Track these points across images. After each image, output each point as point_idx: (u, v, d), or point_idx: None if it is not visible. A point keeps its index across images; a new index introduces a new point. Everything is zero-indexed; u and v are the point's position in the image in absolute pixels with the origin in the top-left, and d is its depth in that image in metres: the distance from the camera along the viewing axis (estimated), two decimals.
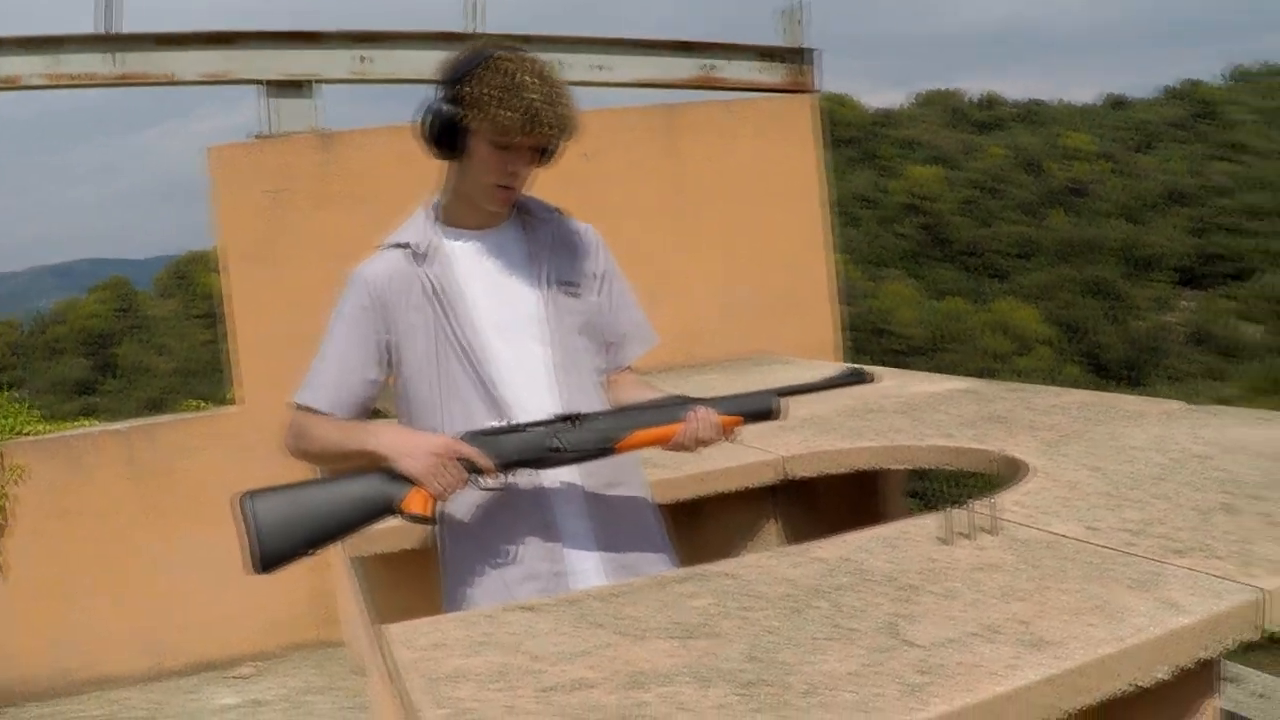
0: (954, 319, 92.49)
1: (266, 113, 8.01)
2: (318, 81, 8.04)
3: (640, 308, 3.70)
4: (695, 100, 9.12)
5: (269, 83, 7.95)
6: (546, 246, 3.46)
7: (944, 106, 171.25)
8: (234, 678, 7.73)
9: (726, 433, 3.36)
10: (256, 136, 7.94)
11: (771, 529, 5.05)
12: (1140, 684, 2.53)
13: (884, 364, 9.35)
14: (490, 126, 3.19)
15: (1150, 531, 3.30)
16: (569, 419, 3.23)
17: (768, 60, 9.18)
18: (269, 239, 7.72)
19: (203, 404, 9.51)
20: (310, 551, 3.17)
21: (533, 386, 3.37)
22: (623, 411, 3.33)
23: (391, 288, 3.34)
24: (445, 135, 3.28)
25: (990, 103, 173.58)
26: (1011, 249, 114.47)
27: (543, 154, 3.33)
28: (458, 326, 3.33)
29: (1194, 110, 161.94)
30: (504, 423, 3.24)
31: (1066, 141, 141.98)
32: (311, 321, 7.17)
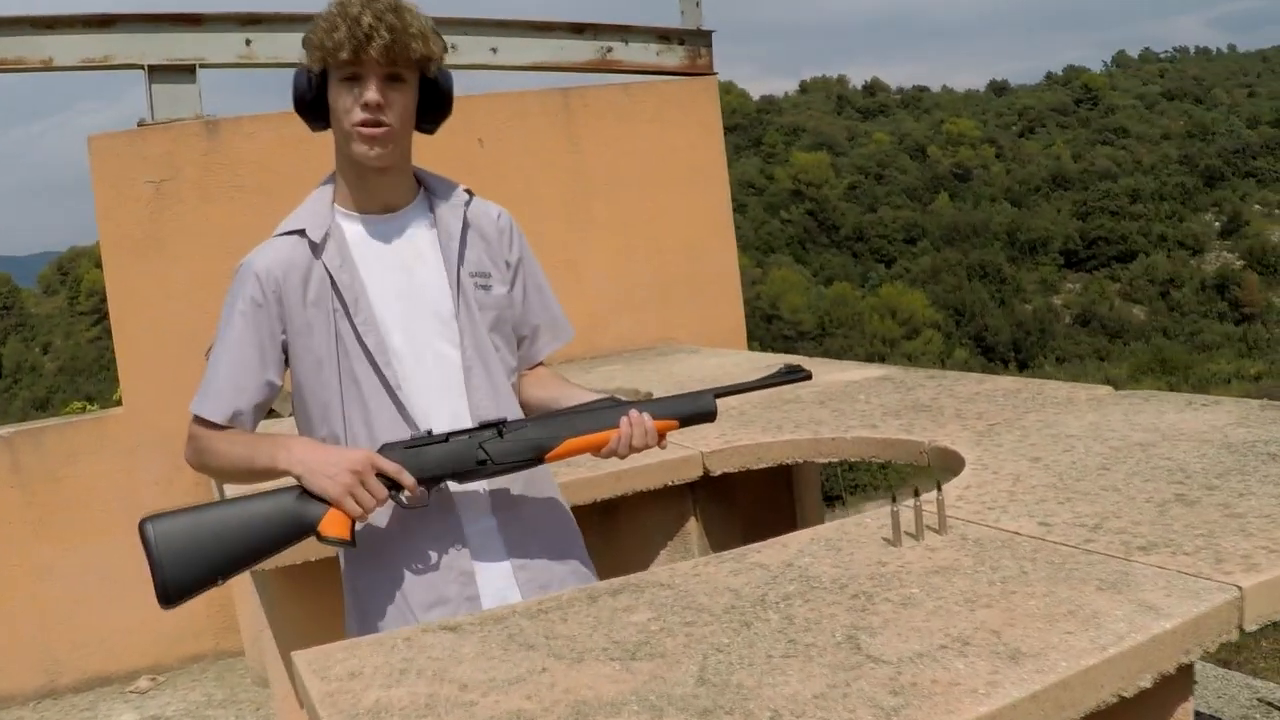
0: (842, 304, 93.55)
1: (149, 100, 7.67)
2: (203, 66, 7.69)
3: (554, 298, 3.43)
4: (594, 84, 8.86)
5: (151, 68, 7.60)
6: (454, 233, 3.14)
7: (829, 93, 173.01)
8: (131, 693, 7.38)
9: (660, 438, 3.11)
10: (140, 124, 7.59)
11: (692, 528, 4.82)
12: (1124, 694, 2.34)
13: (773, 350, 9.16)
14: (325, 56, 2.89)
15: (1108, 527, 3.11)
16: (493, 426, 2.99)
17: (666, 43, 8.93)
18: (152, 232, 7.34)
19: (89, 405, 9.15)
20: (219, 581, 2.90)
21: (441, 391, 3.10)
22: (551, 418, 3.07)
23: (286, 281, 3.01)
24: (306, 98, 3.01)
25: (875, 89, 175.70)
26: (897, 234, 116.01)
27: (396, 80, 2.94)
28: (360, 325, 3.02)
29: (1076, 96, 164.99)
30: (415, 432, 3.02)
31: (950, 127, 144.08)
32: (198, 318, 6.93)
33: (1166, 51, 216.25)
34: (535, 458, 3.01)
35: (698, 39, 9.00)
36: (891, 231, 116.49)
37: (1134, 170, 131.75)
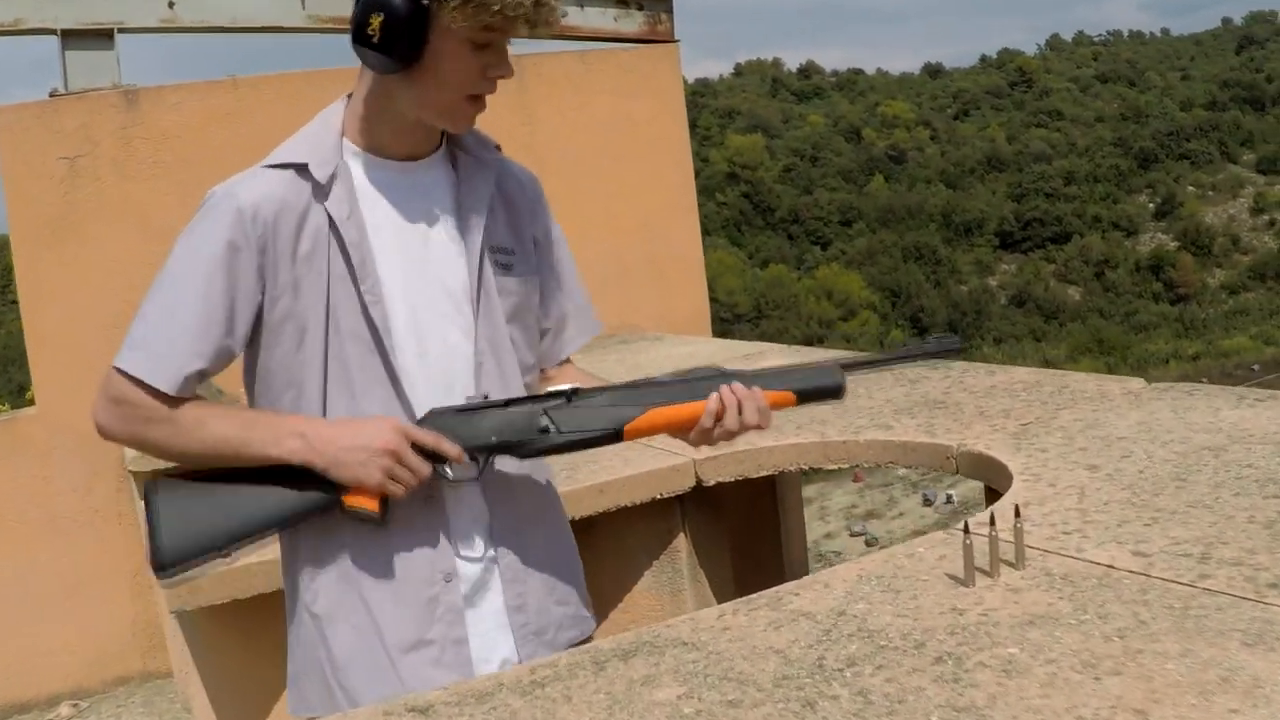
0: (778, 286, 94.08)
1: (63, 68, 7.02)
2: (121, 31, 7.05)
3: (583, 284, 2.84)
4: (547, 51, 8.26)
5: (65, 32, 6.95)
6: (483, 197, 2.55)
7: (763, 76, 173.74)
8: None
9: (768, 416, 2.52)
10: (52, 94, 6.93)
11: (681, 545, 4.25)
12: None
13: (710, 333, 8.62)
14: (478, 11, 2.25)
15: (1219, 556, 2.58)
16: (562, 394, 2.43)
17: (624, 7, 8.32)
18: (65, 213, 6.67)
19: (3, 407, 8.48)
20: (224, 553, 2.39)
21: (444, 388, 2.49)
22: (630, 387, 2.49)
23: (277, 225, 2.37)
24: (403, 32, 2.29)
25: (809, 72, 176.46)
26: (833, 216, 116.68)
27: None
28: (366, 294, 2.41)
29: (1011, 79, 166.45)
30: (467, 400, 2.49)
31: (885, 110, 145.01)
32: (118, 307, 6.31)
33: (1100, 35, 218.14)
34: (611, 431, 2.41)
35: (657, 4, 8.41)
36: (827, 214, 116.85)
37: (1068, 152, 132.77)
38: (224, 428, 2.34)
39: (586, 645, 2.44)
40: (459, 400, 2.45)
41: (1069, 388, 4.47)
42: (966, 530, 2.51)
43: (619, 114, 8.29)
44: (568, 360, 2.81)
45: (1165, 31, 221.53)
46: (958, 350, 2.61)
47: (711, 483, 4.13)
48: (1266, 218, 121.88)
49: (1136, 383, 4.45)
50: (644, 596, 4.29)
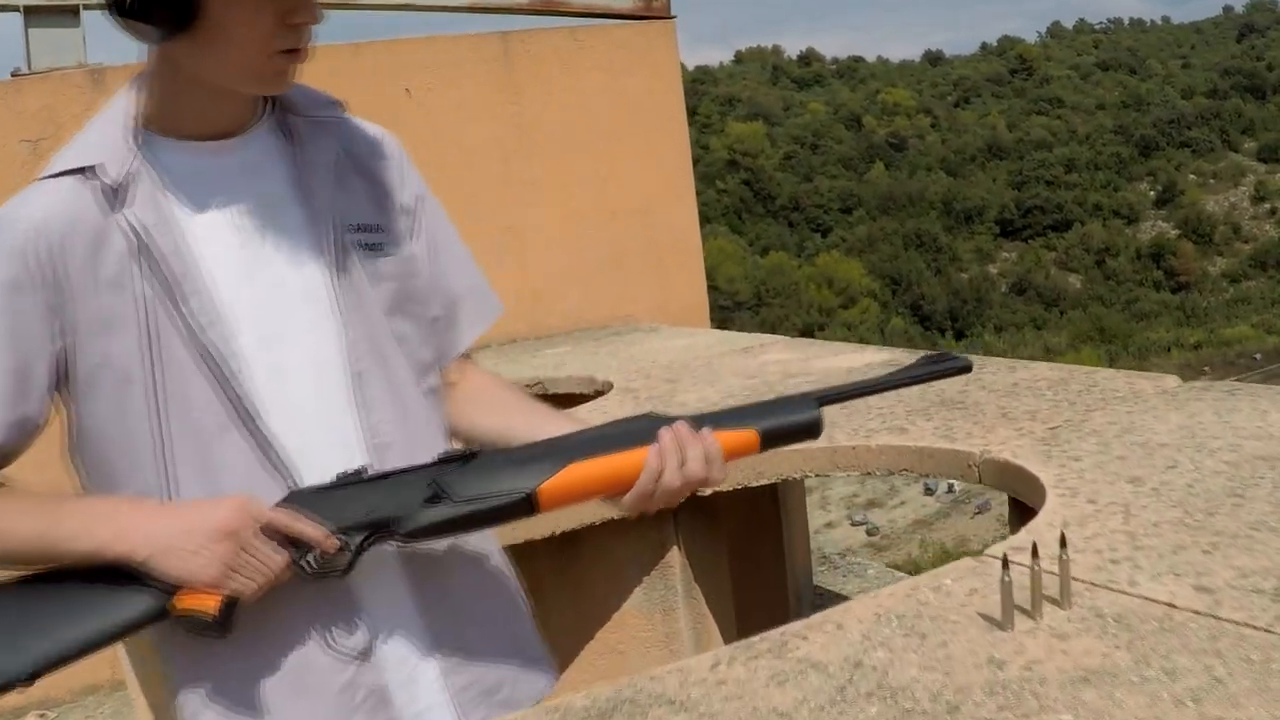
0: (778, 273, 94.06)
1: (26, 46, 6.68)
2: (87, 7, 6.70)
3: (471, 256, 2.34)
4: (537, 27, 7.89)
5: (28, 9, 6.61)
6: (326, 164, 2.08)
7: (763, 63, 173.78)
8: None
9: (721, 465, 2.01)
10: (14, 74, 6.58)
11: (674, 559, 3.88)
12: None
13: (710, 321, 8.24)
14: None
15: None
16: (458, 458, 1.95)
17: None
18: None
19: None
20: (27, 683, 1.86)
21: (319, 417, 2.02)
22: (542, 442, 2.00)
23: (67, 248, 1.88)
24: None
25: (810, 59, 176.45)
26: (833, 203, 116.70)
27: None
28: (192, 316, 1.93)
29: (1011, 66, 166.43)
30: (290, 483, 1.95)
31: (886, 97, 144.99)
32: None
33: (1101, 23, 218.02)
34: (520, 498, 1.90)
35: None
36: (827, 201, 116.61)
37: (1069, 140, 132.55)
38: (25, 524, 1.86)
39: (556, 704, 2.04)
40: (343, 428, 2.01)
41: (1098, 386, 4.09)
42: (1006, 565, 2.13)
43: (612, 92, 7.91)
44: (468, 357, 2.33)
45: (1166, 19, 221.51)
46: (967, 369, 2.16)
47: (708, 492, 3.75)
48: (1267, 206, 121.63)
49: (1171, 380, 4.08)
50: (634, 615, 3.92)
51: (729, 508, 4.12)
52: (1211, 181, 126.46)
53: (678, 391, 4.83)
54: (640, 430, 1.95)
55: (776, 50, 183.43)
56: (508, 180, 7.55)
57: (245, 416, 1.93)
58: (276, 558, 1.85)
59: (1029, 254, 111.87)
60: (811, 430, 2.04)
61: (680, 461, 1.93)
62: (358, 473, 1.94)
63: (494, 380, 2.34)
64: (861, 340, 61.45)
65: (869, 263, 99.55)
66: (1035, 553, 2.16)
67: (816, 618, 2.26)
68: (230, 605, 1.83)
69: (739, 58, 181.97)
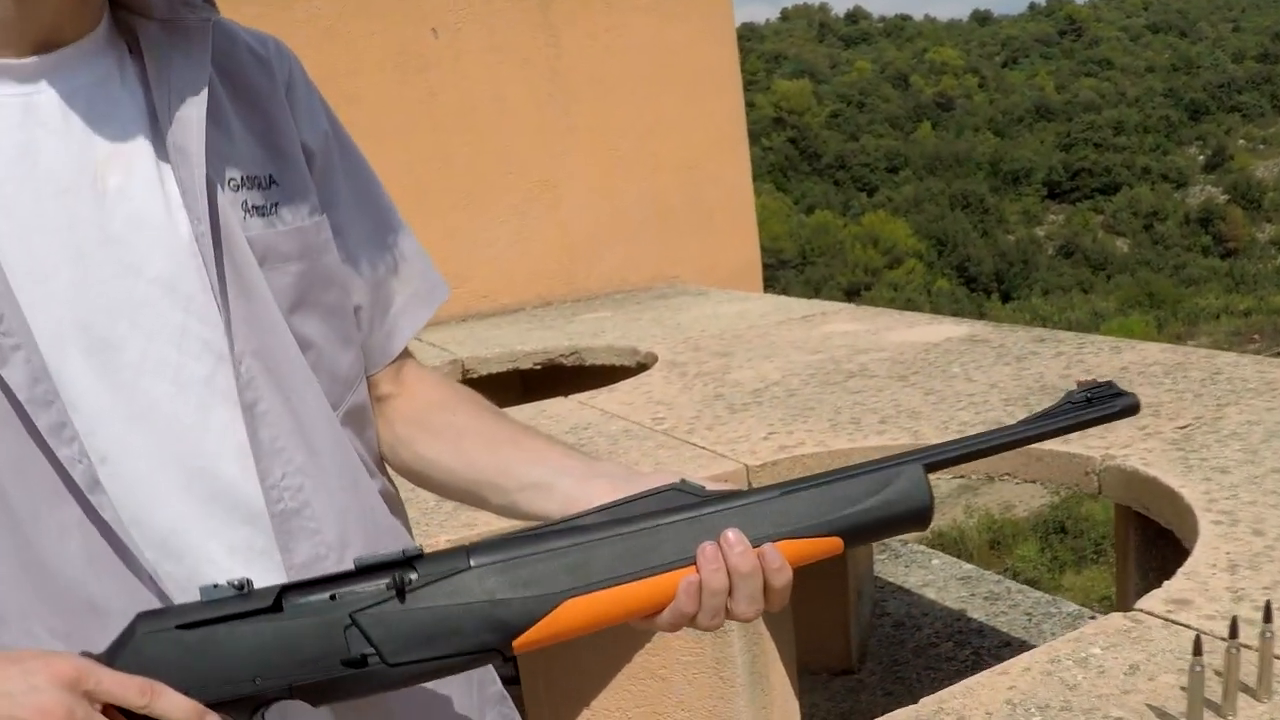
0: (824, 232, 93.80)
1: None
2: None
3: (401, 219, 1.70)
4: None
5: None
6: (194, 87, 1.38)
7: (810, 21, 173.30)
8: None
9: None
10: None
11: None
12: None
13: (761, 287, 7.69)
14: None
15: None
16: (391, 566, 1.27)
17: None
18: None
19: None
20: None
21: (189, 474, 1.36)
22: (532, 537, 1.30)
23: None
24: None
25: (857, 17, 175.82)
26: (880, 162, 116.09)
27: None
28: None
29: (1060, 27, 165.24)
30: (148, 577, 1.33)
31: (933, 56, 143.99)
32: None
33: None
34: (486, 649, 1.29)
35: None
36: (874, 160, 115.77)
37: (1118, 102, 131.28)
38: None
39: None
40: (229, 483, 1.37)
41: (1222, 373, 3.51)
42: (1198, 650, 1.54)
43: (658, 37, 7.42)
44: (406, 355, 1.69)
45: None
46: (1134, 409, 1.41)
47: None
48: None
49: None
50: (678, 637, 3.34)
51: None
52: (1261, 146, 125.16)
53: (731, 367, 4.29)
54: (671, 537, 1.32)
55: (823, 8, 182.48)
56: (543, 129, 7.08)
57: (70, 482, 1.27)
58: None
59: (1076, 217, 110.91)
60: (920, 519, 1.36)
61: (724, 602, 1.30)
62: (241, 589, 1.25)
63: (447, 390, 1.71)
64: (909, 302, 60.82)
65: (915, 223, 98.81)
66: (1234, 632, 1.57)
67: (929, 703, 1.68)
68: None
69: (785, 15, 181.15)
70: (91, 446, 1.28)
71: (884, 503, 1.33)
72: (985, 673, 1.80)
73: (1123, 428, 3.01)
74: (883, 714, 1.68)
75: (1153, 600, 1.94)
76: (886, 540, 6.56)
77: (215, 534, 1.36)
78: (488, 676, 1.68)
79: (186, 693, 1.20)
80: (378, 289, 1.61)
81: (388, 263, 1.63)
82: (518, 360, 5.38)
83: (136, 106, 1.37)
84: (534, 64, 6.99)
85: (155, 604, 1.28)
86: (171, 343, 1.35)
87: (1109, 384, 1.38)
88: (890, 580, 5.92)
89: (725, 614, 1.31)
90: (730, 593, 1.29)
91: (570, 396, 4.19)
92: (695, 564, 1.28)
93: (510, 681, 4.80)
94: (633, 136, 7.30)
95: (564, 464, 1.49)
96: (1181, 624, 1.71)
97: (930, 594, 5.70)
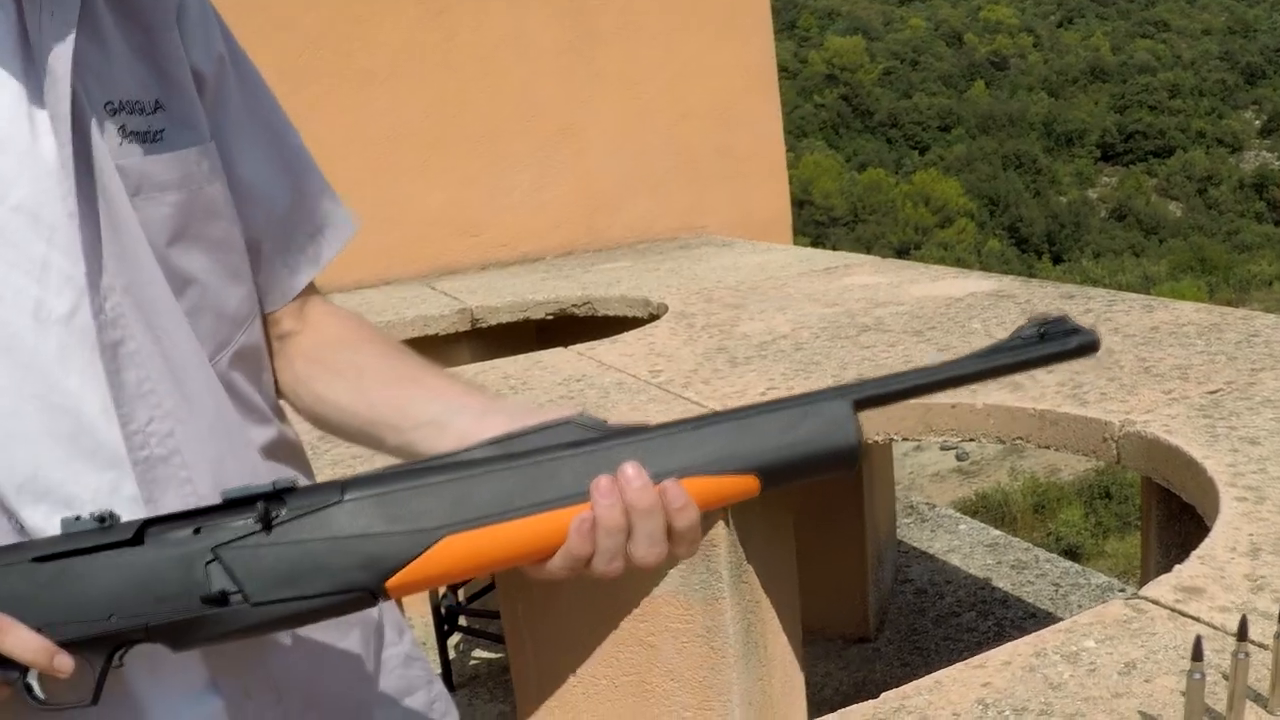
0: (875, 190, 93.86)
1: None
2: None
3: (305, 148, 1.57)
4: None
5: None
6: (70, 8, 1.26)
7: None
8: None
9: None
10: None
11: (720, 538, 3.08)
12: None
13: (805, 236, 7.46)
14: None
15: None
16: (257, 498, 1.18)
17: None
18: None
19: None
20: None
21: (47, 416, 1.26)
22: (412, 472, 1.20)
23: None
24: None
25: None
26: (932, 121, 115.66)
27: None
28: None
29: None
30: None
31: (988, 14, 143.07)
32: None
33: None
34: (358, 592, 1.18)
35: None
36: (926, 118, 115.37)
37: (1174, 65, 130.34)
38: None
39: None
40: (79, 438, 1.27)
41: (1259, 335, 3.29)
42: (1198, 655, 1.32)
43: None
44: (311, 291, 1.57)
45: None
46: (1091, 348, 1.24)
47: None
48: None
49: None
50: (668, 603, 3.15)
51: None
52: None
53: (740, 319, 4.09)
54: (563, 471, 1.19)
55: None
56: (566, 73, 6.89)
57: None
58: None
59: (1129, 179, 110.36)
60: (845, 459, 1.20)
61: (622, 543, 1.18)
62: (103, 522, 1.17)
63: (352, 327, 1.58)
64: (959, 261, 60.45)
65: (967, 182, 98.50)
66: (1243, 633, 1.35)
67: (891, 701, 1.47)
68: None
69: None
70: None
71: (805, 439, 1.18)
72: (959, 665, 1.59)
73: (1145, 391, 2.80)
74: (898, 685, 1.49)
75: (1160, 587, 1.73)
76: (913, 502, 6.37)
77: (78, 477, 1.26)
78: (394, 634, 1.59)
79: (39, 630, 1.13)
80: (278, 223, 1.50)
81: (288, 196, 1.52)
82: (529, 310, 5.21)
83: (8, 22, 1.24)
84: (557, 5, 6.79)
85: None
86: (31, 276, 1.24)
87: (1062, 318, 1.22)
88: (915, 545, 5.72)
89: (624, 558, 1.18)
90: (629, 533, 1.17)
91: (569, 347, 4.01)
92: (589, 500, 1.16)
93: (497, 640, 4.64)
94: (659, 81, 7.09)
95: (462, 401, 1.39)
96: (1190, 616, 1.50)
97: (955, 560, 5.50)
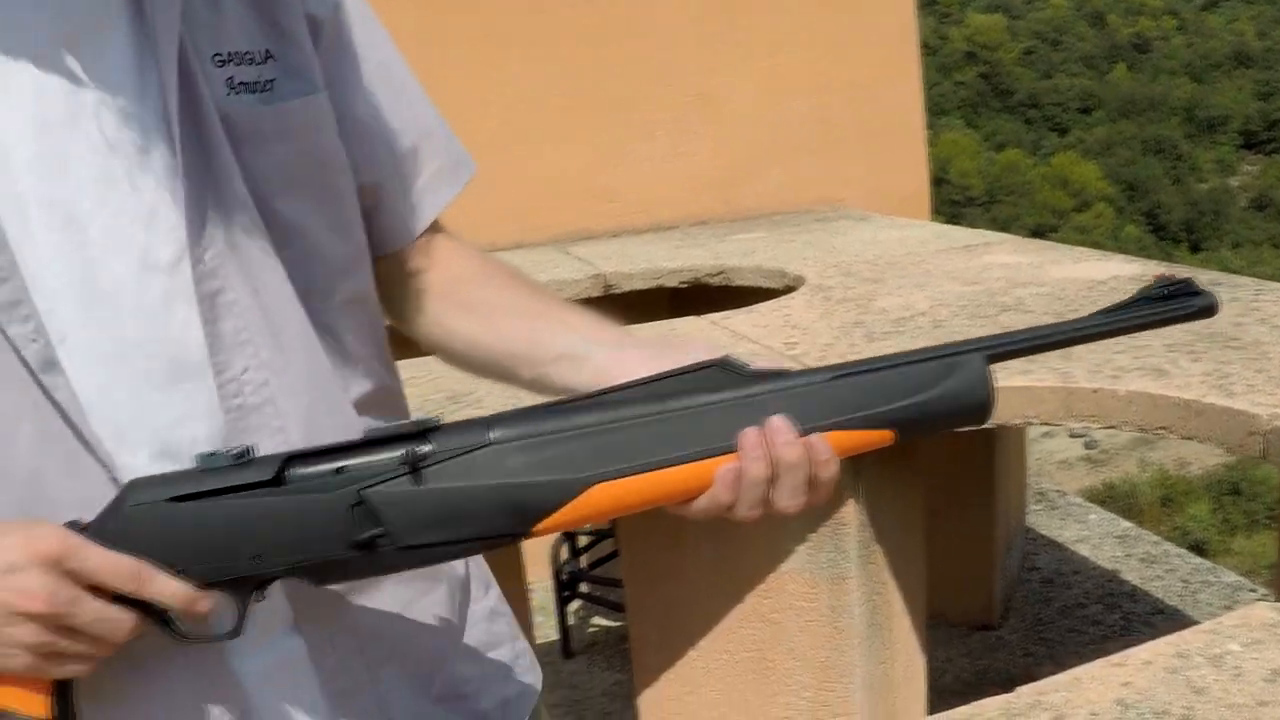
0: (1012, 171, 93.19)
1: None
2: None
3: (424, 94, 1.57)
4: None
5: None
6: None
7: None
8: None
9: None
10: None
11: (850, 516, 3.03)
12: None
13: (940, 215, 7.38)
14: None
15: None
16: (405, 437, 1.19)
17: None
18: None
19: None
20: None
21: (148, 370, 1.24)
22: (559, 409, 1.24)
23: None
24: None
25: None
26: (1072, 102, 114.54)
27: None
28: None
29: None
30: (104, 468, 1.21)
31: None
32: None
33: None
34: (500, 535, 1.20)
35: None
36: (1066, 100, 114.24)
37: None
38: None
39: None
40: (177, 385, 1.25)
41: None
42: None
43: None
44: (437, 229, 1.56)
45: None
46: (1209, 311, 1.31)
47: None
48: None
49: None
50: (794, 580, 3.11)
51: (929, 458, 3.34)
52: None
53: (878, 294, 4.03)
54: (710, 420, 1.20)
55: None
56: (703, 40, 6.84)
57: (27, 365, 1.17)
58: (116, 626, 1.14)
59: (1272, 168, 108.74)
60: (979, 414, 1.26)
61: (765, 493, 1.20)
62: (242, 457, 1.17)
63: (480, 264, 1.58)
64: (1096, 245, 59.99)
65: (1106, 166, 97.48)
66: None
67: (1026, 696, 1.41)
68: (65, 696, 1.16)
69: None
70: (51, 327, 1.18)
71: (942, 395, 1.23)
72: (1098, 662, 1.53)
73: None
74: (1021, 675, 1.44)
75: None
76: (1043, 489, 6.28)
77: (177, 424, 1.25)
78: (479, 589, 1.61)
79: (179, 572, 1.15)
80: (399, 161, 1.50)
81: (408, 139, 1.51)
82: (662, 277, 5.18)
83: None
84: None
85: (110, 496, 1.17)
86: (140, 223, 1.23)
87: (1187, 281, 1.28)
88: (1043, 533, 5.64)
89: (766, 505, 1.22)
90: (772, 483, 1.21)
91: (703, 316, 3.98)
92: (735, 451, 1.20)
93: (617, 609, 4.62)
94: (797, 52, 7.01)
95: (596, 333, 1.41)
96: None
97: (1084, 550, 5.41)
